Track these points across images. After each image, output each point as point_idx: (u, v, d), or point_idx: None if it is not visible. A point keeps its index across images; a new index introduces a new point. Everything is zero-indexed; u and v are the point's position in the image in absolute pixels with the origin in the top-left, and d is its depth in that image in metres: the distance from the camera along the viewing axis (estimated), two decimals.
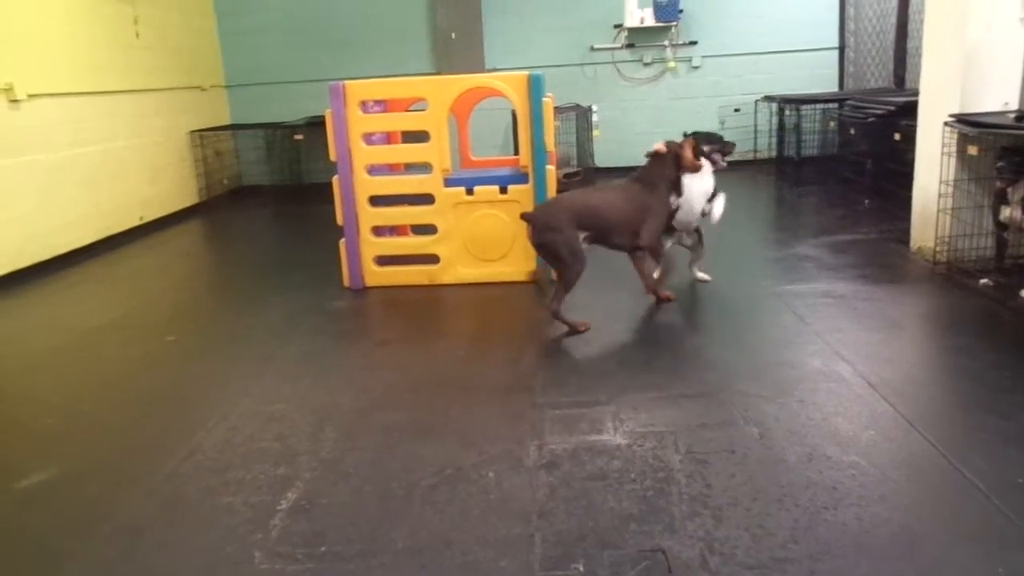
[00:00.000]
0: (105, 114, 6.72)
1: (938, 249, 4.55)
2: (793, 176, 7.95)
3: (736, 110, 8.85)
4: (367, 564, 2.13)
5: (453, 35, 8.70)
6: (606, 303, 4.27)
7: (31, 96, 5.69)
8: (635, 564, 2.05)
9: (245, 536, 2.29)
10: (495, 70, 8.65)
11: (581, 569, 2.04)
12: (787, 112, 8.08)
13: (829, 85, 8.67)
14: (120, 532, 2.36)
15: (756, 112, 8.74)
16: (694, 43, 8.74)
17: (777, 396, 3.01)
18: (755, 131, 8.82)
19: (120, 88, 6.96)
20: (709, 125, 8.91)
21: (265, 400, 3.28)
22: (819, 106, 7.95)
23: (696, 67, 8.83)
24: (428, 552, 2.16)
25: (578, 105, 8.44)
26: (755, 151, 8.87)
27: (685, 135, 4.22)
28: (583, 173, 8.22)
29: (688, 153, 3.96)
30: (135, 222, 7.04)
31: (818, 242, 5.38)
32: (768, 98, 8.45)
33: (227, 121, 9.12)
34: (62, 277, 5.64)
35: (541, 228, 3.78)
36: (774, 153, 8.51)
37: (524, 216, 3.89)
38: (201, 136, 8.34)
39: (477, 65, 8.69)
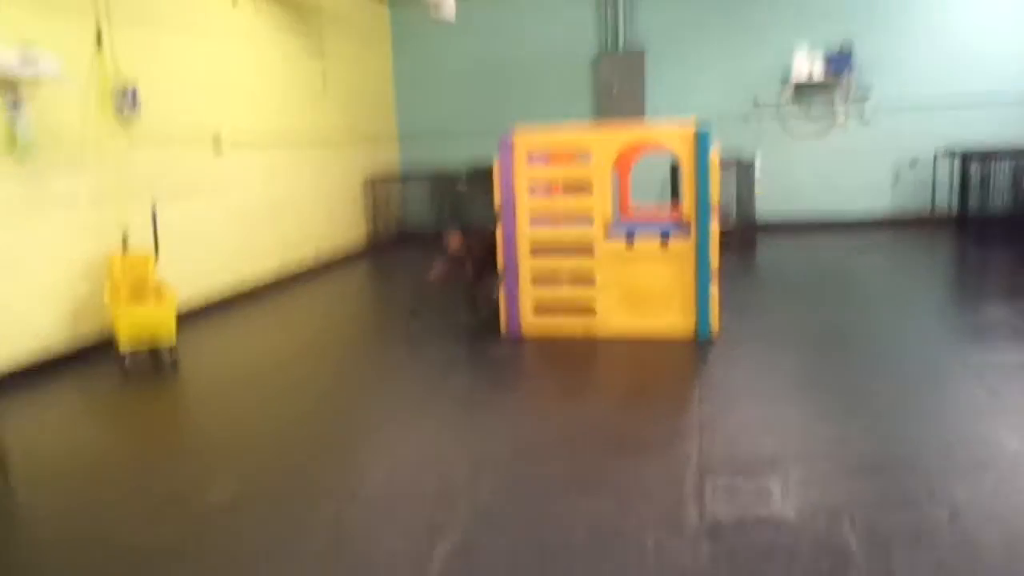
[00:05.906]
0: (291, 162, 7.30)
1: None
2: (977, 235, 7.36)
3: (912, 164, 8.34)
4: None
5: (615, 90, 8.80)
6: (781, 364, 4.10)
7: (234, 144, 6.30)
8: None
9: None
10: (655, 116, 8.65)
11: None
12: (972, 166, 7.53)
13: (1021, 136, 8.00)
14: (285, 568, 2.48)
15: (935, 166, 8.21)
16: (865, 97, 8.33)
17: (968, 474, 2.75)
18: (933, 186, 8.27)
19: (307, 138, 7.56)
20: (881, 180, 8.45)
21: (424, 443, 3.36)
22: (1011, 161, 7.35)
23: (867, 120, 8.41)
24: None
25: (739, 160, 8.15)
26: (933, 207, 8.31)
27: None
28: (739, 233, 7.65)
29: None
30: (311, 260, 7.56)
31: (1011, 307, 4.93)
32: (950, 151, 7.92)
33: (396, 168, 9.65)
34: (249, 305, 6.09)
35: None
36: (954, 210, 7.94)
37: None
38: (373, 183, 8.87)
39: (637, 112, 8.73)
